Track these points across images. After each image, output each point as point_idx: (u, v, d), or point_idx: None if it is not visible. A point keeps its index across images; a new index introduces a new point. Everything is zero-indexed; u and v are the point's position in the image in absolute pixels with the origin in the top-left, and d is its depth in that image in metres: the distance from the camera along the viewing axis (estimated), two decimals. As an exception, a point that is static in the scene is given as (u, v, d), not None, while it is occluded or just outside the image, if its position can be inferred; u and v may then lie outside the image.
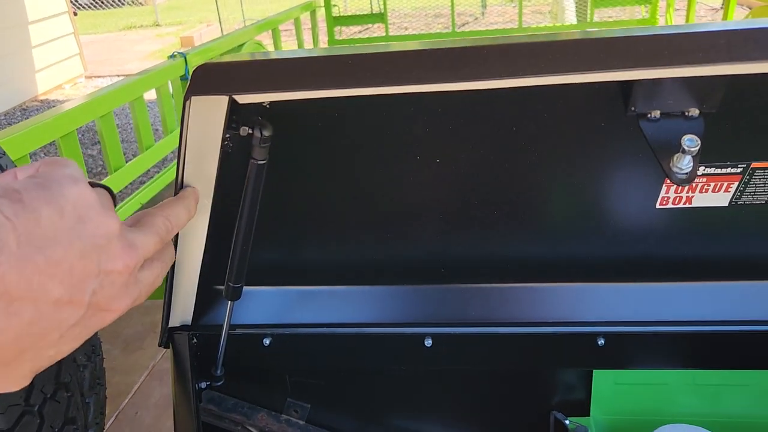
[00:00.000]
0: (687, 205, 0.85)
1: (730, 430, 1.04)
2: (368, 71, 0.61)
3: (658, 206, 0.86)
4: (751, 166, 0.79)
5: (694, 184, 0.82)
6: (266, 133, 0.71)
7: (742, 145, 0.76)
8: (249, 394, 1.14)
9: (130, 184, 3.25)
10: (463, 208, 0.93)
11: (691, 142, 0.61)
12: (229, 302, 0.93)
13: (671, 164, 0.63)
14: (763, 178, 0.80)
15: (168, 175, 3.42)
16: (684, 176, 0.62)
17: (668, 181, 0.82)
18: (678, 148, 0.63)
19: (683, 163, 0.62)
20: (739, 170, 0.79)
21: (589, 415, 1.08)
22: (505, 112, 0.77)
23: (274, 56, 0.63)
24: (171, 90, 3.59)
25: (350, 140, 0.84)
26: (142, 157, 3.17)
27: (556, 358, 0.99)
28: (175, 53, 3.71)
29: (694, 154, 0.61)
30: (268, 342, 1.01)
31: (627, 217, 0.89)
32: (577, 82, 0.60)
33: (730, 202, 0.83)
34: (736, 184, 0.81)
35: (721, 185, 0.81)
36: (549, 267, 0.97)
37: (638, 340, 0.94)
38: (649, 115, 0.64)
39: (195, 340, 1.02)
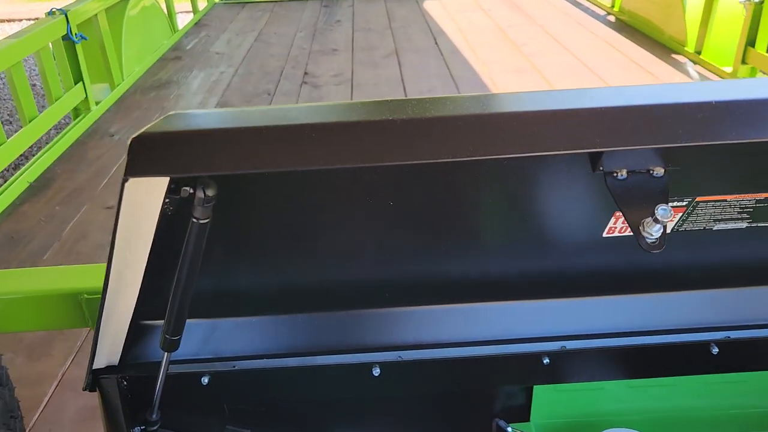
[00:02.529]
0: (631, 234, 0.86)
1: (658, 424, 1.10)
2: (326, 147, 0.55)
3: (604, 235, 0.86)
4: (696, 199, 0.80)
5: (641, 216, 0.82)
6: (210, 193, 0.64)
7: (690, 184, 0.77)
8: (183, 426, 1.08)
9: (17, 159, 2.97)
10: (406, 234, 0.90)
11: (664, 212, 0.61)
12: (166, 353, 0.86)
13: (641, 227, 0.62)
14: (704, 209, 0.82)
15: (60, 146, 3.14)
16: (654, 241, 0.62)
17: (616, 214, 0.82)
18: (643, 204, 0.63)
19: (653, 230, 0.61)
20: (684, 203, 0.81)
21: (529, 420, 1.11)
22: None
23: (220, 125, 0.56)
24: (53, 52, 3.27)
25: (291, 183, 0.78)
26: (25, 131, 2.89)
27: (502, 378, 1.00)
28: (54, 10, 3.37)
29: (664, 223, 0.61)
30: (206, 381, 0.95)
31: (574, 243, 0.89)
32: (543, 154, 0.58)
33: (673, 230, 0.85)
34: (680, 214, 0.82)
35: (667, 216, 0.82)
36: (492, 287, 0.97)
37: (580, 355, 0.97)
38: (616, 174, 0.63)
39: (125, 383, 0.94)
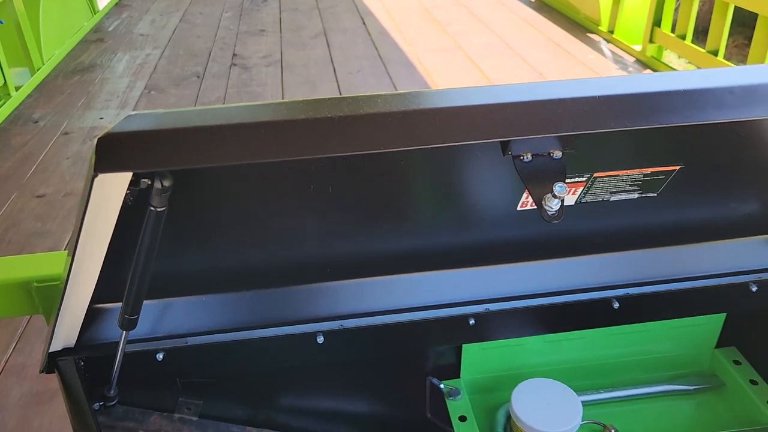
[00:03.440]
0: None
1: (571, 372, 1.25)
2: (270, 143, 0.64)
3: (518, 208, 0.98)
4: (594, 175, 0.93)
5: (549, 191, 0.95)
6: (166, 184, 0.71)
7: (589, 162, 0.90)
8: (139, 401, 1.15)
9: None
10: (344, 216, 0.99)
11: (560, 188, 0.72)
12: (124, 331, 0.92)
13: (543, 203, 0.74)
14: (601, 184, 0.95)
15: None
16: (554, 213, 0.73)
17: (527, 190, 0.94)
18: (545, 182, 0.75)
19: (553, 204, 0.73)
20: (585, 178, 0.93)
21: (459, 377, 1.23)
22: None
23: (176, 125, 0.63)
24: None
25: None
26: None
27: (433, 339, 1.11)
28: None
29: (561, 197, 0.73)
30: (161, 357, 1.02)
31: (492, 216, 1.01)
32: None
33: (576, 202, 0.98)
34: (582, 188, 0.95)
35: (571, 190, 0.95)
36: (422, 258, 1.08)
37: (502, 315, 1.09)
38: (522, 157, 0.74)
39: (82, 363, 1.00)
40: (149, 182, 0.70)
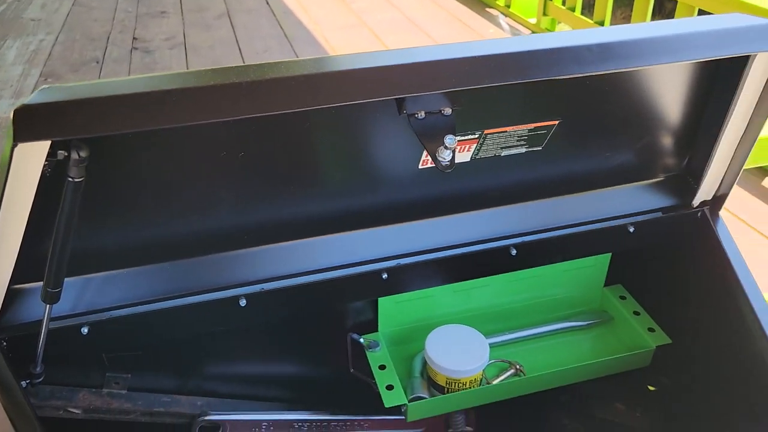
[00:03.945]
0: (441, 164, 1.07)
1: (479, 319, 1.36)
2: (180, 108, 0.69)
3: (420, 167, 1.07)
4: (485, 132, 1.03)
5: (445, 148, 1.04)
6: (83, 154, 0.75)
7: (480, 120, 0.99)
8: (67, 379, 1.17)
9: None
10: (258, 181, 1.05)
11: (450, 140, 0.81)
12: (47, 305, 0.94)
13: (437, 154, 0.82)
14: (492, 140, 1.05)
15: None
16: (447, 164, 0.82)
17: (428, 149, 1.03)
18: (440, 138, 0.83)
19: (445, 155, 0.82)
20: (476, 135, 1.03)
21: (377, 331, 1.32)
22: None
23: (91, 95, 0.67)
24: None
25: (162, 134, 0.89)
26: None
27: (350, 295, 1.19)
28: None
29: (452, 148, 0.81)
30: (86, 331, 1.05)
31: (397, 176, 1.09)
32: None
33: (471, 158, 1.07)
34: (475, 145, 1.05)
35: (465, 147, 1.04)
36: (335, 220, 1.15)
37: (412, 268, 1.18)
38: (417, 115, 0.83)
39: (5, 343, 1.01)
40: (66, 153, 0.74)
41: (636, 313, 1.38)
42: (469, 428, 1.41)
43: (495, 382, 1.26)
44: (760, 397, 1.09)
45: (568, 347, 1.37)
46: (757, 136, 1.10)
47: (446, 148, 0.81)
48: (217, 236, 1.10)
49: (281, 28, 4.19)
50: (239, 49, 3.85)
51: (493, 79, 0.77)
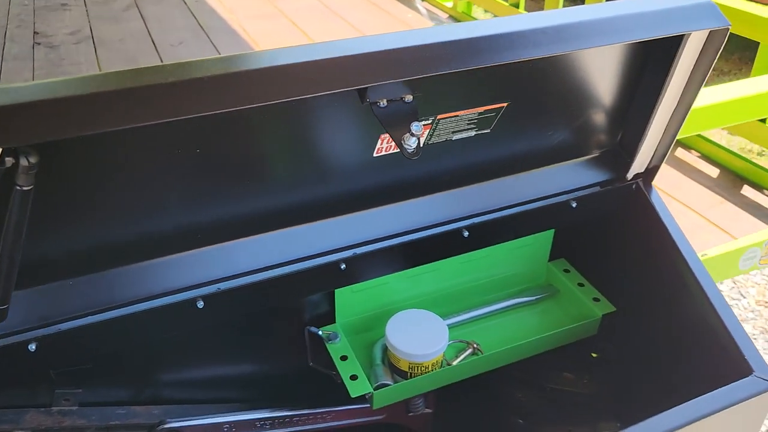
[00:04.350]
0: (396, 150, 1.07)
1: (434, 302, 1.38)
2: (128, 110, 0.66)
3: (375, 155, 1.07)
4: (438, 117, 1.04)
5: (400, 136, 1.04)
6: (32, 160, 0.70)
7: (432, 106, 1.00)
8: (11, 399, 1.10)
9: None
10: (213, 178, 1.02)
11: (416, 127, 0.81)
12: None
13: (402, 141, 0.82)
14: (444, 125, 1.06)
15: None
16: (413, 150, 0.82)
17: (382, 136, 1.03)
18: (402, 124, 0.83)
19: (411, 142, 0.82)
20: (430, 121, 1.03)
21: (335, 322, 1.32)
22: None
23: (38, 97, 0.63)
24: None
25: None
26: None
27: (310, 287, 1.18)
28: None
29: (418, 135, 0.82)
30: (34, 347, 0.99)
31: (352, 165, 1.09)
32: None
33: (424, 144, 1.08)
34: (428, 130, 1.06)
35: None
36: (291, 214, 1.13)
37: (370, 256, 1.18)
38: (379, 103, 0.82)
39: None
40: (14, 160, 0.69)
41: (580, 285, 1.44)
42: (428, 410, 1.43)
43: (455, 363, 1.29)
44: (702, 355, 1.16)
45: (520, 322, 1.41)
46: (688, 111, 1.17)
47: (412, 134, 0.81)
48: (169, 238, 1.06)
49: (195, 18, 4.05)
50: (153, 42, 3.70)
51: (456, 65, 0.77)
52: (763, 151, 3.25)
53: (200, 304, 1.07)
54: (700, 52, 1.03)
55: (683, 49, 1.03)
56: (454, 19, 4.16)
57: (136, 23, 3.99)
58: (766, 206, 2.30)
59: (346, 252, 1.17)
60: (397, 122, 0.83)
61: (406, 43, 0.77)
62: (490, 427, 1.42)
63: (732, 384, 0.93)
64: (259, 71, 0.71)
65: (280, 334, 1.31)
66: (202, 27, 3.91)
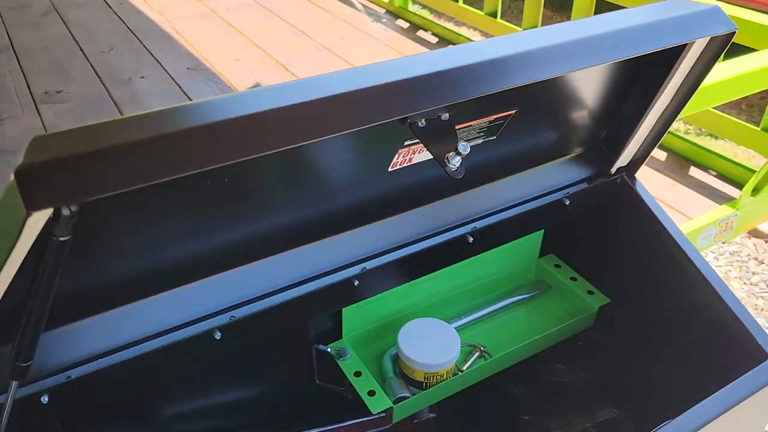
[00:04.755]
0: (411, 164, 1.06)
1: (436, 307, 1.38)
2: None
3: (390, 169, 1.05)
4: (455, 128, 1.03)
5: (415, 148, 1.03)
6: (74, 209, 0.65)
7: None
8: None
9: None
10: (219, 206, 0.97)
11: (464, 147, 0.80)
12: (13, 382, 0.81)
13: (446, 160, 0.81)
14: (459, 135, 1.05)
15: None
16: (456, 169, 0.82)
17: (400, 151, 1.01)
18: (446, 144, 0.82)
19: (456, 161, 0.81)
20: None
21: (342, 338, 1.29)
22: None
23: (101, 143, 0.58)
24: None
25: None
26: None
27: (322, 307, 1.15)
28: None
29: (465, 155, 0.81)
30: (46, 399, 0.92)
31: (367, 181, 1.07)
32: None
33: (434, 156, 1.08)
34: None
35: (431, 146, 1.04)
36: (302, 231, 1.10)
37: (383, 269, 1.17)
38: (418, 123, 0.81)
39: None
40: (57, 212, 0.63)
41: (573, 279, 1.48)
42: (432, 415, 1.43)
43: (465, 368, 1.29)
44: (705, 340, 1.21)
45: (520, 321, 1.43)
46: (680, 110, 1.21)
47: (458, 154, 0.80)
48: (180, 268, 1.01)
49: (122, 21, 3.86)
50: (81, 49, 3.50)
51: (497, 84, 0.77)
52: (700, 130, 3.43)
53: (217, 336, 1.02)
54: (700, 55, 1.07)
55: (686, 54, 1.06)
56: (392, 14, 4.16)
57: (58, 29, 3.77)
58: (713, 185, 2.42)
59: (357, 267, 1.15)
60: (437, 141, 0.82)
61: (446, 65, 0.75)
62: (496, 426, 1.43)
63: (753, 370, 0.98)
64: (297, 107, 0.67)
65: (284, 354, 1.28)
66: (132, 31, 3.74)
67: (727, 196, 2.36)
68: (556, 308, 1.46)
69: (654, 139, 1.33)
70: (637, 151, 1.38)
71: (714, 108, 2.39)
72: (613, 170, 1.42)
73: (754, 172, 2.27)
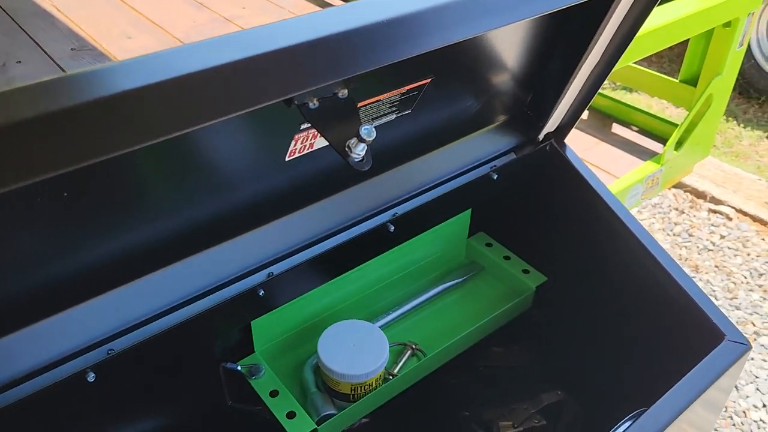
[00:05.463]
0: (311, 150, 0.89)
1: (357, 305, 1.23)
2: None
3: (287, 159, 0.88)
4: (357, 105, 0.86)
5: (315, 133, 0.86)
6: None
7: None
8: None
9: None
10: (88, 213, 0.79)
11: (367, 131, 0.63)
12: None
13: (347, 149, 0.65)
14: (366, 112, 0.89)
15: None
16: (360, 159, 0.65)
17: (296, 137, 0.84)
18: (341, 125, 0.66)
19: (359, 150, 0.64)
20: None
21: (254, 352, 1.13)
22: None
23: None
24: None
25: None
26: None
27: (221, 325, 0.97)
28: None
29: (369, 142, 0.64)
30: None
31: (260, 174, 0.89)
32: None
33: (341, 137, 0.91)
34: (346, 122, 0.88)
35: (335, 127, 0.87)
36: (190, 239, 0.92)
37: (287, 276, 1.00)
38: (308, 104, 0.64)
39: None
40: None
41: (506, 258, 1.36)
42: (364, 420, 1.30)
43: (397, 371, 1.16)
44: (653, 315, 1.12)
45: (453, 309, 1.31)
46: (611, 70, 1.09)
47: (361, 140, 0.64)
48: (36, 298, 0.82)
49: (-7, 0, 3.45)
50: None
51: (400, 52, 0.61)
52: (615, 84, 3.40)
53: (91, 378, 0.84)
54: (633, 4, 0.94)
55: (615, 10, 0.93)
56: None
57: None
58: (636, 142, 2.37)
59: (262, 273, 0.99)
60: (335, 124, 0.65)
61: (338, 27, 0.58)
62: (434, 427, 1.31)
63: (712, 353, 0.88)
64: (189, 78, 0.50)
65: (188, 378, 1.10)
66: (6, 12, 3.34)
67: (650, 151, 2.31)
68: (491, 291, 1.34)
69: (583, 101, 1.21)
70: (565, 114, 1.26)
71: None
72: (541, 137, 1.30)
73: (675, 125, 2.23)
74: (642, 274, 1.10)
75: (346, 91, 0.66)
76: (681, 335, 0.99)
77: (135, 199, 0.82)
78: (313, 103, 0.64)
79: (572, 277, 1.29)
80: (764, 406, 2.20)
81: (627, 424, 0.87)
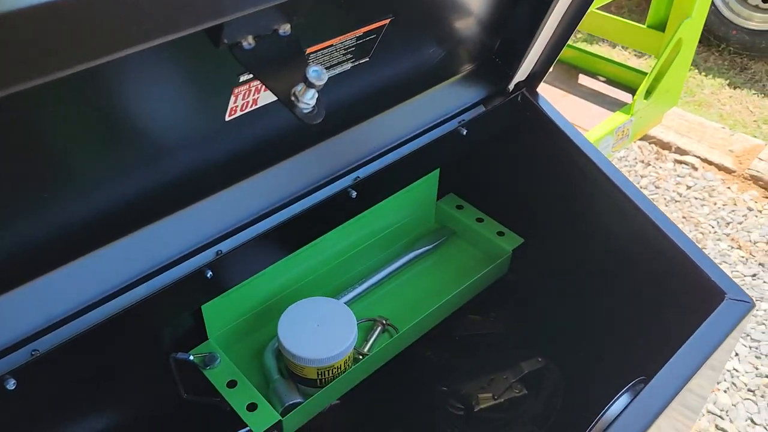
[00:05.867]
0: (254, 107, 0.77)
1: (320, 280, 1.12)
2: None
3: (227, 118, 0.75)
4: (306, 51, 0.74)
5: (258, 86, 0.73)
6: None
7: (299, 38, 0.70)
8: None
9: None
10: None
11: (316, 73, 0.51)
12: None
13: (295, 99, 0.53)
14: (315, 60, 0.77)
15: None
16: (310, 110, 0.53)
17: (236, 91, 0.71)
18: (285, 72, 0.53)
19: (307, 98, 0.52)
20: None
21: (207, 339, 1.01)
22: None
23: None
24: None
25: None
26: None
27: (165, 313, 0.86)
28: None
29: (319, 87, 0.52)
30: None
31: (197, 138, 0.77)
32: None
33: (289, 92, 0.78)
34: (293, 73, 0.76)
35: (282, 78, 0.75)
36: (121, 217, 0.79)
37: (239, 252, 0.88)
38: (242, 44, 0.51)
39: None
40: None
41: (479, 220, 1.26)
42: (336, 401, 1.20)
43: (368, 350, 1.06)
44: (643, 274, 1.03)
45: (425, 279, 1.21)
46: (585, 12, 0.98)
47: (310, 85, 0.52)
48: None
49: None
50: None
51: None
52: (577, 37, 3.30)
53: (11, 385, 0.71)
54: None
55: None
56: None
57: None
58: (604, 92, 2.29)
59: (209, 251, 0.87)
60: (276, 68, 0.53)
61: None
62: (410, 404, 1.22)
63: (715, 313, 0.80)
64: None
65: (133, 372, 0.98)
66: None
67: (619, 102, 2.23)
68: (465, 256, 1.24)
69: (556, 46, 1.10)
70: (537, 62, 1.16)
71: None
72: (511, 87, 1.20)
73: (644, 74, 2.15)
74: (630, 231, 1.01)
75: (288, 27, 0.54)
76: (677, 296, 0.91)
77: (51, 172, 0.69)
78: (248, 43, 0.51)
79: (552, 237, 1.20)
80: (736, 355, 2.18)
81: (627, 395, 0.79)
